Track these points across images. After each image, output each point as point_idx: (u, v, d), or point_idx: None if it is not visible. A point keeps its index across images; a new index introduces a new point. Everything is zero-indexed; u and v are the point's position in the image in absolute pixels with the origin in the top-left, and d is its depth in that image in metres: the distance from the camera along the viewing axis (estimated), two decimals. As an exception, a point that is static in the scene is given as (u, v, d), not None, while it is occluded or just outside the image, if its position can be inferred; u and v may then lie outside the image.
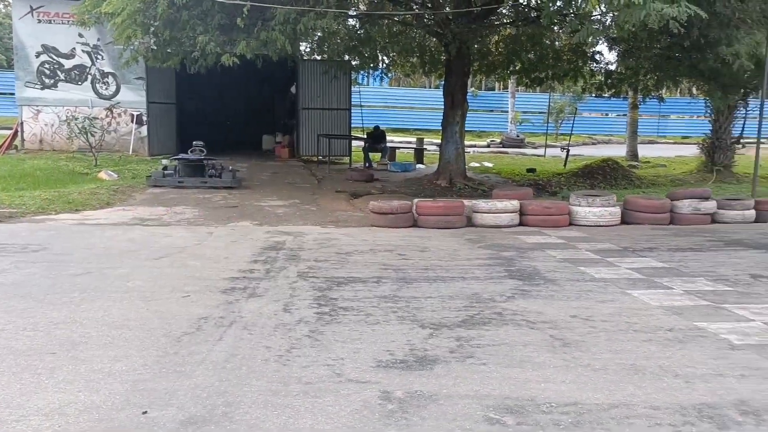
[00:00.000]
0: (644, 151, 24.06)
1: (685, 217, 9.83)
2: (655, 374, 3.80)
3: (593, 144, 32.85)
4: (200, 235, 8.08)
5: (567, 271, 6.53)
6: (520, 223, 9.37)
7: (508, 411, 3.23)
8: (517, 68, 15.76)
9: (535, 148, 28.28)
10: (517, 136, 30.19)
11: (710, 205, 9.91)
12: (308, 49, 16.35)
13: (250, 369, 3.69)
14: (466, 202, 9.67)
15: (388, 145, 18.63)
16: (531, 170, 17.15)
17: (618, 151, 23.18)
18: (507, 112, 32.55)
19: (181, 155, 12.80)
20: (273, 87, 21.39)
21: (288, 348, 4.06)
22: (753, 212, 10.04)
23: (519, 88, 29.86)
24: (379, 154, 17.81)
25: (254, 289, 5.46)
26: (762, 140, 12.19)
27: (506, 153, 25.93)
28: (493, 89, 42.35)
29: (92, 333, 4.22)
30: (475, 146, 26.70)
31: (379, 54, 15.57)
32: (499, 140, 30.24)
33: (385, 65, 17.40)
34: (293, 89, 19.20)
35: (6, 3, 44.97)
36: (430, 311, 4.93)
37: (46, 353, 3.85)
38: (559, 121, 29.70)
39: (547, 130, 26.96)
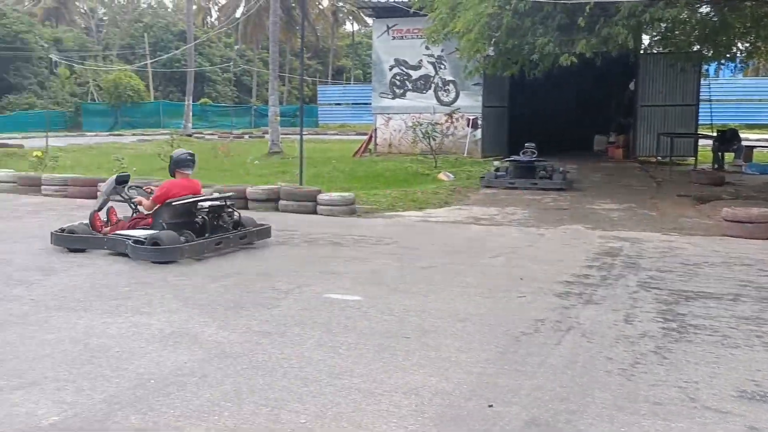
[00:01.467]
0: None
1: None
2: None
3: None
4: (531, 236, 8.15)
5: None
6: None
7: None
8: None
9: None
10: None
11: None
12: (650, 42, 15.27)
13: (592, 379, 3.56)
14: None
15: (743, 143, 16.38)
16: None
17: None
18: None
19: (513, 157, 13.11)
20: (607, 85, 20.55)
21: (632, 362, 3.81)
22: None
23: None
24: (732, 155, 15.78)
25: (590, 296, 5.27)
26: None
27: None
28: None
29: (439, 323, 4.55)
30: None
31: (737, 41, 13.77)
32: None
33: (743, 54, 15.32)
34: (631, 86, 18.16)
35: (366, 25, 51.58)
36: (807, 341, 4.16)
37: (401, 337, 4.27)
38: None
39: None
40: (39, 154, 15.49)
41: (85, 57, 44.16)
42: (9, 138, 23.79)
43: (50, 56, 39.27)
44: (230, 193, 8.02)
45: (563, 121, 21.75)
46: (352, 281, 5.81)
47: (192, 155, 7.38)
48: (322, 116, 41.40)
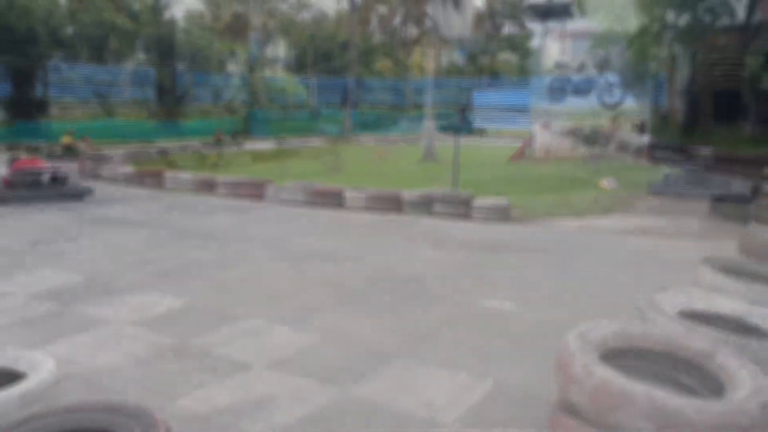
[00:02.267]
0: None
1: None
2: None
3: None
4: (708, 250, 7.43)
5: None
6: None
7: None
8: None
9: None
10: None
11: None
12: None
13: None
14: None
15: None
16: None
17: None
18: None
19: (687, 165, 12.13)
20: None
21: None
22: None
23: None
24: None
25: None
26: None
27: None
28: None
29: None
30: None
31: None
32: None
33: None
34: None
35: (525, 28, 50.80)
36: None
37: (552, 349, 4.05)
38: None
39: None
40: (213, 158, 16.87)
41: (255, 67, 47.59)
42: (187, 143, 26.18)
43: (227, 69, 42.77)
44: (58, 167, 11.97)
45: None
46: (507, 289, 5.65)
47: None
48: (477, 121, 41.19)
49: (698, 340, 2.80)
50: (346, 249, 7.52)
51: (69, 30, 13.36)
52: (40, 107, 16.59)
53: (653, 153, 16.46)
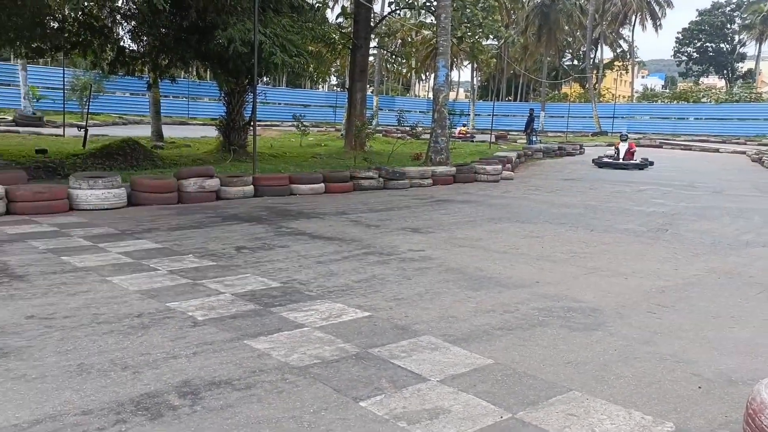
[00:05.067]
0: (172, 132, 26.18)
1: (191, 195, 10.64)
2: (102, 371, 3.63)
3: (125, 124, 33.57)
4: None
5: (46, 263, 6.11)
6: (7, 212, 8.78)
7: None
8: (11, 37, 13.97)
9: (57, 127, 26.47)
10: (33, 114, 28.92)
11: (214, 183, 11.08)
12: None
13: None
14: None
15: None
16: (41, 151, 15.65)
17: (146, 132, 23.91)
18: (20, 86, 31.73)
19: None
20: None
21: None
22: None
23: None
24: None
25: None
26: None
27: (18, 132, 24.36)
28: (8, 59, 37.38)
29: None
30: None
31: None
32: (11, 118, 28.43)
33: None
34: None
35: None
36: None
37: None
38: (84, 99, 27.70)
39: (64, 107, 26.17)
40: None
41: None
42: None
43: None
44: None
45: None
46: None
47: None
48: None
49: None
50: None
51: (277, 59, 14.76)
52: (245, 128, 18.72)
53: None
